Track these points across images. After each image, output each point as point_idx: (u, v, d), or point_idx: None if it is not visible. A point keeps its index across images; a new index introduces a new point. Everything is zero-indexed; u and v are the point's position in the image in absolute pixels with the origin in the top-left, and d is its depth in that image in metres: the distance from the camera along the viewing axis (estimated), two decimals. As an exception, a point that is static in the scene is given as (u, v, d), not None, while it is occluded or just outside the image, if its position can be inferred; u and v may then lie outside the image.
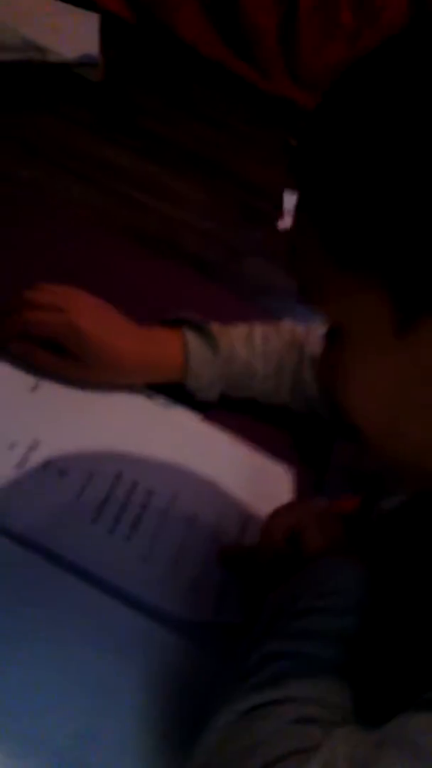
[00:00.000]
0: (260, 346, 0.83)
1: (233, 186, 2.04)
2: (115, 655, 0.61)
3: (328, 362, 0.53)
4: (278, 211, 2.27)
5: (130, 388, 0.81)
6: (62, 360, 0.77)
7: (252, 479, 0.81)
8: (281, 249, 0.59)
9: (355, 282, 0.44)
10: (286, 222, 2.29)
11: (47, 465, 0.72)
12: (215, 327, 0.82)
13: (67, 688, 0.58)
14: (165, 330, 0.81)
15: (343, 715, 0.49)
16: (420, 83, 0.41)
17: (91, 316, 0.76)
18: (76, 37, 1.45)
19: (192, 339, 0.80)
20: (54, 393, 0.78)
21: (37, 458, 0.72)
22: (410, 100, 0.41)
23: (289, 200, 2.62)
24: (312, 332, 0.86)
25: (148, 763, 0.56)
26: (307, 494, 0.82)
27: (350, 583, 0.56)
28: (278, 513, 0.69)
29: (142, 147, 1.84)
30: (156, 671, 0.61)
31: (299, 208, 0.48)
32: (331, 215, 0.44)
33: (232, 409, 0.85)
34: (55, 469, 0.72)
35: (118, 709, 0.58)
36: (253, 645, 0.54)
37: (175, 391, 0.82)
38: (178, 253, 1.51)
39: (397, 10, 3.03)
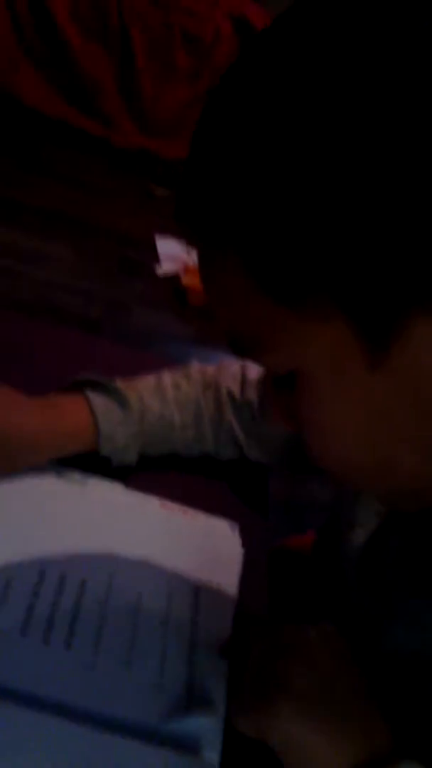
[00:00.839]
0: (172, 394, 0.75)
1: (103, 241, 1.99)
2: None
3: (285, 413, 0.46)
4: (154, 259, 2.24)
5: (36, 470, 0.71)
6: None
7: (195, 542, 0.71)
8: (165, 296, 0.50)
9: (307, 321, 0.38)
10: (164, 268, 2.28)
11: None
12: (120, 383, 0.73)
13: None
14: (65, 396, 0.71)
15: None
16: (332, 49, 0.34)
17: None
18: None
19: (97, 400, 0.71)
20: None
21: None
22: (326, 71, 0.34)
23: (162, 245, 2.62)
24: (223, 369, 0.79)
25: None
26: (257, 544, 0.74)
27: None
28: (246, 695, 0.53)
29: (2, 214, 1.77)
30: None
31: (208, 253, 0.42)
32: (258, 245, 0.37)
33: (154, 469, 0.76)
34: (-35, 582, 0.60)
35: None
36: None
37: (87, 461, 0.72)
38: (60, 317, 1.43)
39: (228, 45, 3.11)
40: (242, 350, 0.43)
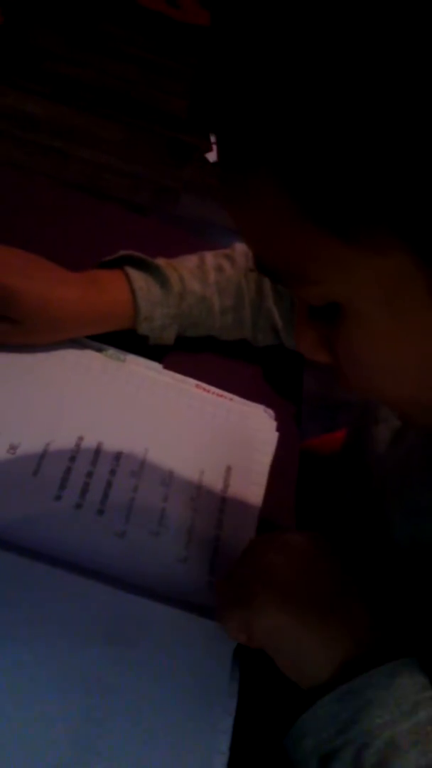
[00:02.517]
0: (214, 276, 0.74)
1: (154, 122, 1.94)
2: (108, 642, 0.53)
3: (320, 345, 0.43)
4: (206, 142, 2.18)
5: (77, 343, 0.72)
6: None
7: (229, 423, 0.72)
8: (215, 182, 0.44)
9: (359, 252, 0.34)
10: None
11: (-6, 441, 0.62)
12: (162, 262, 0.73)
13: (59, 691, 0.50)
14: (106, 272, 0.71)
15: None
16: None
17: (20, 270, 0.65)
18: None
19: (137, 278, 0.70)
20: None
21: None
22: None
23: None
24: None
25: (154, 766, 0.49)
26: (289, 431, 0.74)
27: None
28: (230, 595, 0.53)
29: (52, 92, 1.73)
30: (154, 650, 0.53)
31: (236, 169, 0.35)
32: (304, 163, 0.31)
33: (191, 351, 0.77)
34: (4, 444, 0.62)
35: (119, 701, 0.50)
36: None
37: (126, 339, 0.73)
38: (105, 199, 1.41)
39: None
40: (276, 278, 0.39)
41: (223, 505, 0.65)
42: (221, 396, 0.74)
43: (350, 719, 0.43)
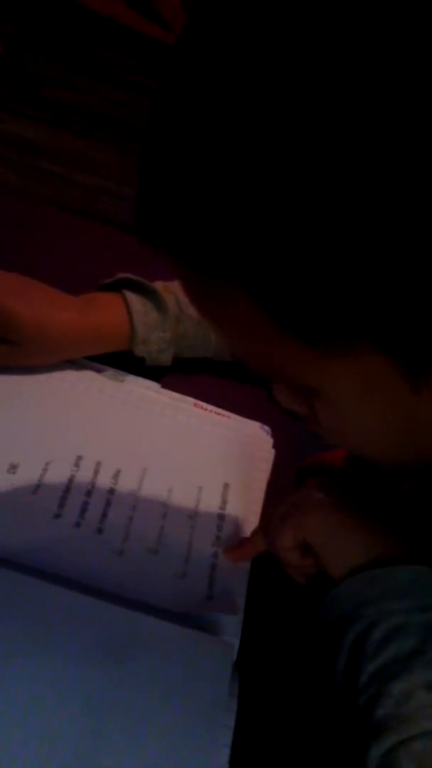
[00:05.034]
0: (211, 299, 0.75)
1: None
2: (107, 658, 0.53)
3: (306, 400, 0.45)
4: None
5: (76, 364, 0.73)
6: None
7: (227, 441, 0.73)
8: None
9: (334, 358, 0.34)
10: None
11: (-5, 461, 0.63)
12: (159, 285, 0.74)
13: (59, 708, 0.50)
14: (104, 295, 0.72)
15: None
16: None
17: (19, 294, 0.66)
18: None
19: (135, 301, 0.71)
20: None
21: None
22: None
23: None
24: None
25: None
26: (286, 449, 0.75)
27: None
28: (280, 516, 0.57)
29: (51, 118, 1.75)
30: (153, 666, 0.54)
31: (201, 278, 0.34)
32: (274, 278, 0.30)
33: (187, 371, 0.78)
34: (5, 463, 0.63)
35: (119, 717, 0.51)
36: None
37: (125, 359, 0.74)
38: (105, 223, 1.42)
39: None
40: (251, 368, 0.39)
41: (221, 522, 0.66)
42: (219, 414, 0.75)
43: (371, 599, 0.48)
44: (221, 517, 0.67)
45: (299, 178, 0.27)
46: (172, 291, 0.74)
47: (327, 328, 0.31)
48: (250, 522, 0.67)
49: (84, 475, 0.65)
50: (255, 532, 0.61)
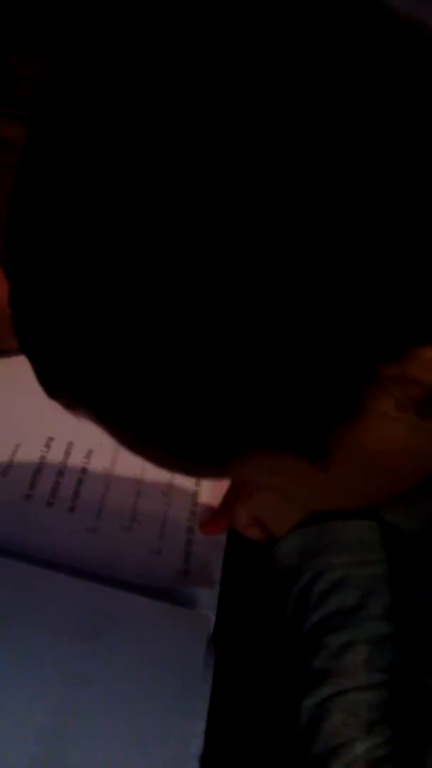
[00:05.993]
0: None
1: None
2: (82, 634, 0.53)
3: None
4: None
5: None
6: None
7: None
8: None
9: (233, 467, 0.33)
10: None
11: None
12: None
13: (34, 684, 0.50)
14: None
15: None
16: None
17: None
18: None
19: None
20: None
21: None
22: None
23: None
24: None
25: (130, 755, 0.48)
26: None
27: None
28: (231, 497, 0.56)
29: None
30: (128, 640, 0.53)
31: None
32: (144, 416, 0.30)
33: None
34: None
35: (91, 696, 0.51)
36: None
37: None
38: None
39: None
40: None
41: (196, 497, 0.66)
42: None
43: (316, 552, 0.50)
44: (196, 493, 0.66)
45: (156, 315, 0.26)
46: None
47: (205, 448, 0.32)
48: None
49: (55, 456, 0.64)
50: (220, 508, 0.60)
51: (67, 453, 0.65)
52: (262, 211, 0.24)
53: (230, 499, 0.56)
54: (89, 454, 0.65)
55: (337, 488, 0.38)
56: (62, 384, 0.32)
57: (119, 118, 0.25)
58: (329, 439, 0.32)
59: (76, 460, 0.65)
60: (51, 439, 0.65)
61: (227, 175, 0.24)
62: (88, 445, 0.66)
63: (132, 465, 0.66)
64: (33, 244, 0.28)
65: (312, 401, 0.29)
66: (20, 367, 0.67)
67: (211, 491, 0.66)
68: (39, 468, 0.63)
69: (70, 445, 0.66)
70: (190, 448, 0.32)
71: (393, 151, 0.25)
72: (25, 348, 0.33)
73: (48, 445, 0.65)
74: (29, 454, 0.64)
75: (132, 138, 0.25)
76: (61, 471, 0.63)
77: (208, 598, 0.58)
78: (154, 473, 0.65)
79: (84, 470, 0.64)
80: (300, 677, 0.46)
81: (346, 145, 0.24)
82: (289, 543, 0.51)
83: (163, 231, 0.25)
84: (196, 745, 0.50)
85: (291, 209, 0.24)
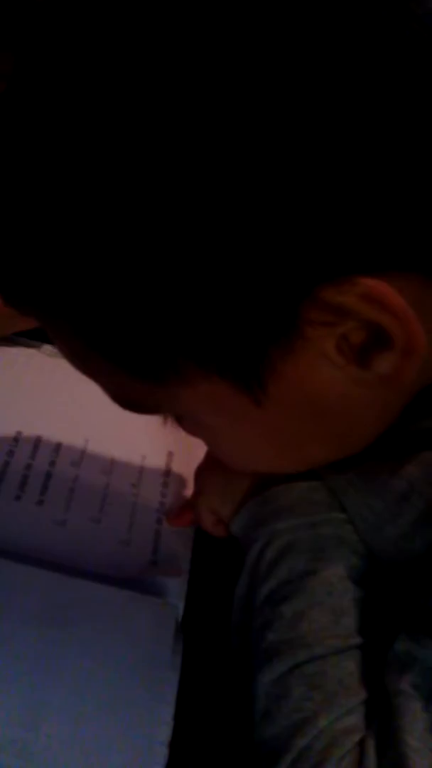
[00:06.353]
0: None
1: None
2: (49, 625, 0.53)
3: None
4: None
5: (12, 341, 0.73)
6: None
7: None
8: None
9: (171, 387, 0.34)
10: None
11: None
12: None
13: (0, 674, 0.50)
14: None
15: None
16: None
17: None
18: None
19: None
20: None
21: None
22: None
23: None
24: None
25: (100, 743, 0.49)
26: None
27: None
28: (195, 495, 0.58)
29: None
30: (96, 629, 0.53)
31: (38, 313, 0.35)
32: (94, 319, 0.32)
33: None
34: None
35: (61, 684, 0.51)
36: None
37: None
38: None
39: None
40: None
41: (165, 488, 0.66)
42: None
43: (263, 520, 0.49)
44: (165, 484, 0.66)
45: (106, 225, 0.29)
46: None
47: (143, 359, 0.32)
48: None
49: (23, 450, 0.64)
50: (187, 504, 0.61)
51: (36, 447, 0.65)
52: (211, 130, 0.26)
53: (196, 499, 0.57)
54: (57, 448, 0.66)
55: (273, 429, 0.38)
56: (19, 283, 0.33)
57: None
58: (264, 366, 0.32)
59: (44, 453, 0.65)
60: (19, 432, 0.65)
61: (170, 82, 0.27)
62: (56, 438, 0.66)
63: (100, 457, 0.66)
64: None
65: (246, 313, 0.30)
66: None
67: (179, 483, 0.67)
68: (7, 462, 0.63)
69: (38, 439, 0.66)
70: (129, 355, 0.32)
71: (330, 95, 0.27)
72: None
73: (16, 439, 0.65)
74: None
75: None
76: (29, 465, 0.63)
77: (176, 587, 0.58)
78: (123, 465, 0.65)
79: (52, 463, 0.64)
80: (255, 653, 0.45)
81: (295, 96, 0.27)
82: (240, 518, 0.51)
83: (116, 141, 0.27)
84: (165, 732, 0.50)
85: (235, 133, 0.27)
